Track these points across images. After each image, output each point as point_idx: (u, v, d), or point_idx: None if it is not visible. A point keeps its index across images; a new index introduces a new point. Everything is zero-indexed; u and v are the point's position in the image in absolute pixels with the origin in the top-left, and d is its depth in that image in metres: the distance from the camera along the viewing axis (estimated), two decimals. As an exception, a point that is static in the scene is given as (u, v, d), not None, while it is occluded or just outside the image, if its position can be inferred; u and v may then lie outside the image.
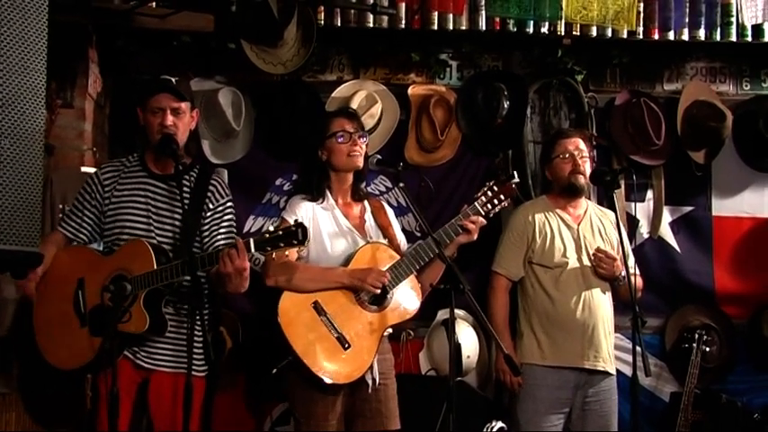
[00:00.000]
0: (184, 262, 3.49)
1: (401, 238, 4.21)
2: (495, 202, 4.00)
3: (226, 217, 3.86)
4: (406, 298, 3.97)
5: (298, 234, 3.42)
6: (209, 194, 3.81)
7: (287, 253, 3.75)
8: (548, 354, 4.52)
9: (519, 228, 4.66)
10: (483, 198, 3.99)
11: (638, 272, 4.69)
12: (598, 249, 4.56)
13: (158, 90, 3.72)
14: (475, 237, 3.97)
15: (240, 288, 3.57)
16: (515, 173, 4.12)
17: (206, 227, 3.79)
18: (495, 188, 4.00)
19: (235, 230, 3.90)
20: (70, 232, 3.81)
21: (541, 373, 4.51)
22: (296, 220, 3.53)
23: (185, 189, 3.68)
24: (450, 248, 3.96)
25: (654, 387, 5.27)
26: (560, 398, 4.50)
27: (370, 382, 3.89)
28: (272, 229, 3.47)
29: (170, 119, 3.70)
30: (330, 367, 3.78)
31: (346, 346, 3.80)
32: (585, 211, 4.72)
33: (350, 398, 3.92)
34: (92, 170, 4.21)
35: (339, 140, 3.98)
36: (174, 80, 3.81)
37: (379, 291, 3.85)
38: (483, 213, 3.99)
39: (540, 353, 4.54)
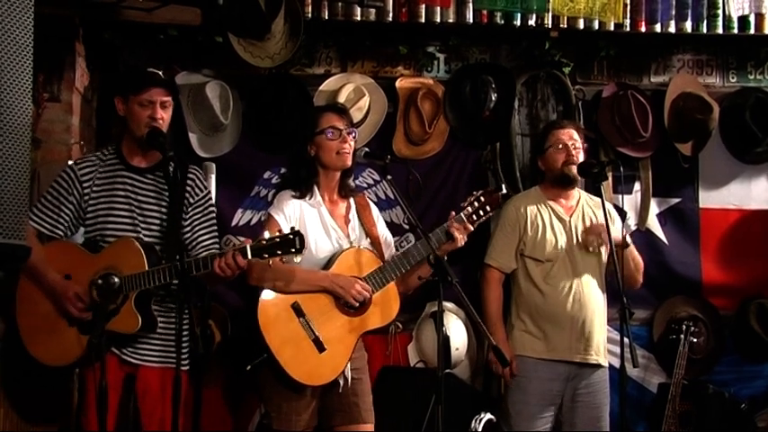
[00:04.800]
0: (177, 265, 3.49)
1: (386, 235, 4.22)
2: (481, 212, 4.01)
3: (208, 210, 3.88)
4: (385, 304, 3.98)
5: (295, 242, 3.45)
6: (189, 188, 3.81)
7: None
8: (539, 346, 4.54)
9: (511, 220, 4.67)
10: (469, 208, 4.00)
11: (636, 253, 4.70)
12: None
13: (150, 84, 3.72)
14: (460, 244, 3.98)
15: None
16: (504, 185, 4.13)
17: (188, 221, 3.80)
18: (482, 199, 4.01)
19: (215, 222, 3.92)
20: (46, 228, 3.72)
21: (533, 365, 4.54)
22: (292, 228, 3.53)
23: (165, 183, 3.71)
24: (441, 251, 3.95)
25: (642, 378, 5.28)
26: (551, 390, 4.53)
27: (341, 382, 3.91)
28: (268, 235, 3.49)
29: (160, 112, 3.71)
30: (304, 369, 3.80)
31: (322, 349, 3.81)
32: (578, 202, 4.74)
33: (324, 395, 3.93)
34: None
35: (329, 136, 3.99)
36: (160, 73, 3.83)
37: (358, 304, 3.88)
38: (468, 223, 4.00)
39: (531, 345, 4.56)
